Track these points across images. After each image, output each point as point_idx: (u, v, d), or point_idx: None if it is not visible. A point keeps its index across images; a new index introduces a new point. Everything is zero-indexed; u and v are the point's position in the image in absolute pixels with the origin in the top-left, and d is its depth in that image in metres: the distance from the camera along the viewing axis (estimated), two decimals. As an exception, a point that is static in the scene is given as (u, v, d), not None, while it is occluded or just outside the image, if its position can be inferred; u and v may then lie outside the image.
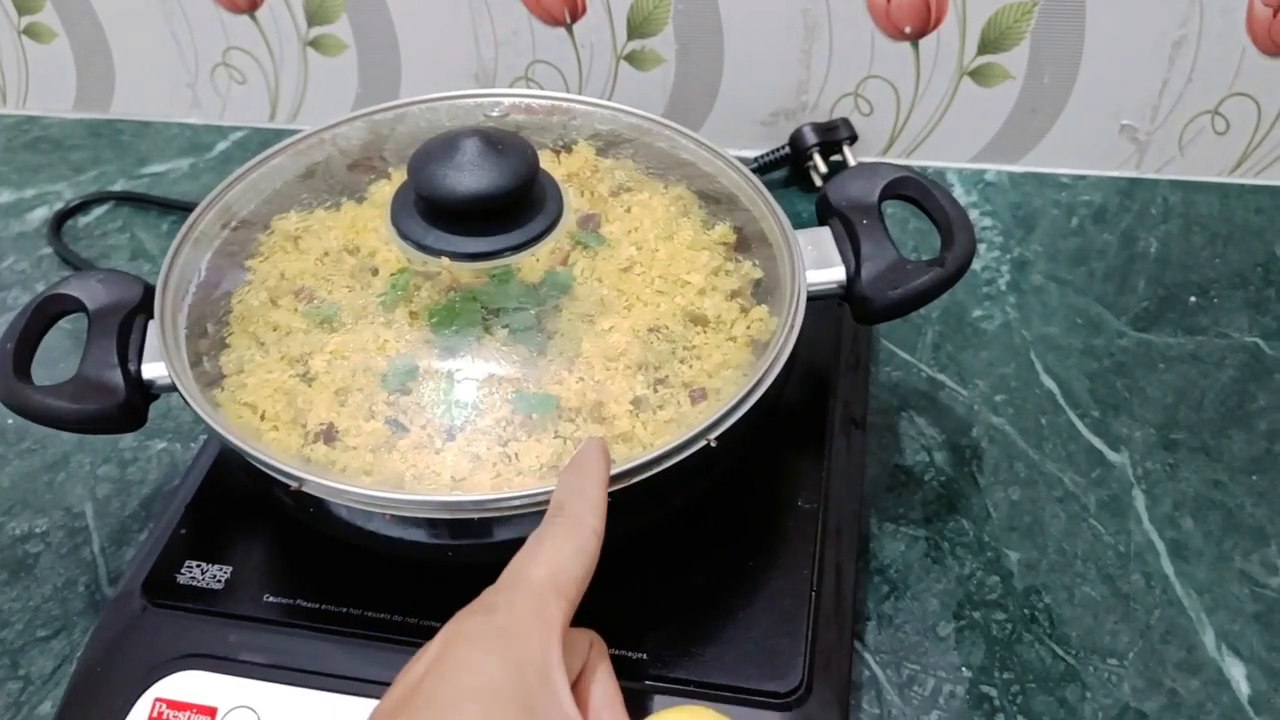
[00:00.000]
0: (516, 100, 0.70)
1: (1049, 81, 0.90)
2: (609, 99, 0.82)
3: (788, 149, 0.93)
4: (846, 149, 0.93)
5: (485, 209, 0.55)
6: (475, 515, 0.50)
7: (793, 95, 0.93)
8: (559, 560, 0.42)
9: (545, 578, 0.41)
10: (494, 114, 0.69)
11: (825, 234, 0.62)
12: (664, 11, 0.89)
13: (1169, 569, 0.65)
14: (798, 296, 0.57)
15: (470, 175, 0.54)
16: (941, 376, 0.77)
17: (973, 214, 0.91)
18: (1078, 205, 0.91)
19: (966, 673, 0.61)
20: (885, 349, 0.79)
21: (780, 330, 0.55)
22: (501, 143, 0.56)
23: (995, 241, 0.88)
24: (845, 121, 0.93)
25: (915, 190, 0.62)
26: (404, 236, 0.57)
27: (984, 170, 0.95)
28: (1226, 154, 0.92)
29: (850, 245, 0.60)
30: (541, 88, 0.96)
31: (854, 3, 0.86)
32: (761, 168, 0.93)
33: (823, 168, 0.92)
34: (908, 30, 0.88)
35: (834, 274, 0.61)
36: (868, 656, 0.61)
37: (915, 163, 0.96)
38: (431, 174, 0.54)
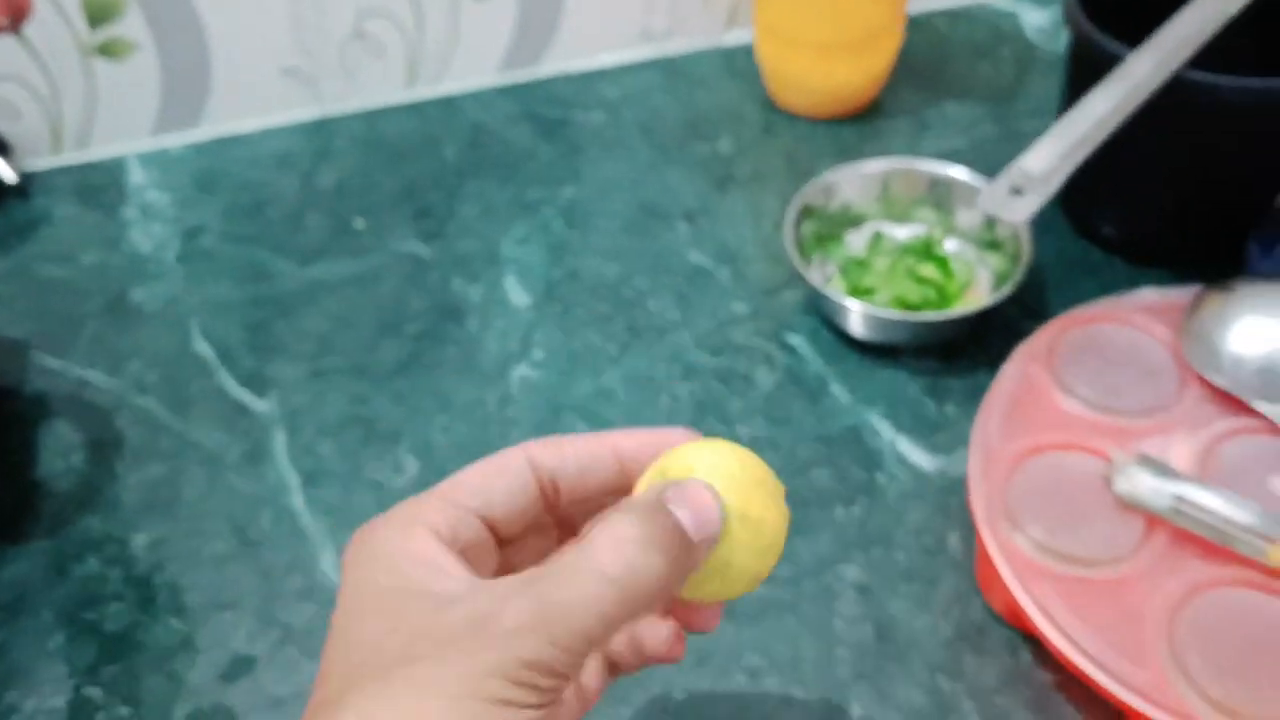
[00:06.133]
0: None
1: (182, 41, 0.86)
2: None
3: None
4: (1, 161, 0.85)
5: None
6: None
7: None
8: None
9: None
10: None
11: None
12: None
13: (299, 501, 0.63)
14: None
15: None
16: (92, 373, 0.72)
17: (151, 193, 0.85)
18: (261, 157, 0.88)
19: (71, 680, 0.55)
20: (35, 361, 0.72)
21: None
22: None
23: (170, 216, 0.83)
24: (-13, 132, 0.85)
25: None
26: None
27: (167, 145, 0.89)
28: (396, 73, 0.91)
29: None
30: None
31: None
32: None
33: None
34: (3, 21, 0.80)
35: None
36: (-35, 702, 0.55)
37: (95, 155, 0.89)
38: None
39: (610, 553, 0.31)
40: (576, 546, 0.32)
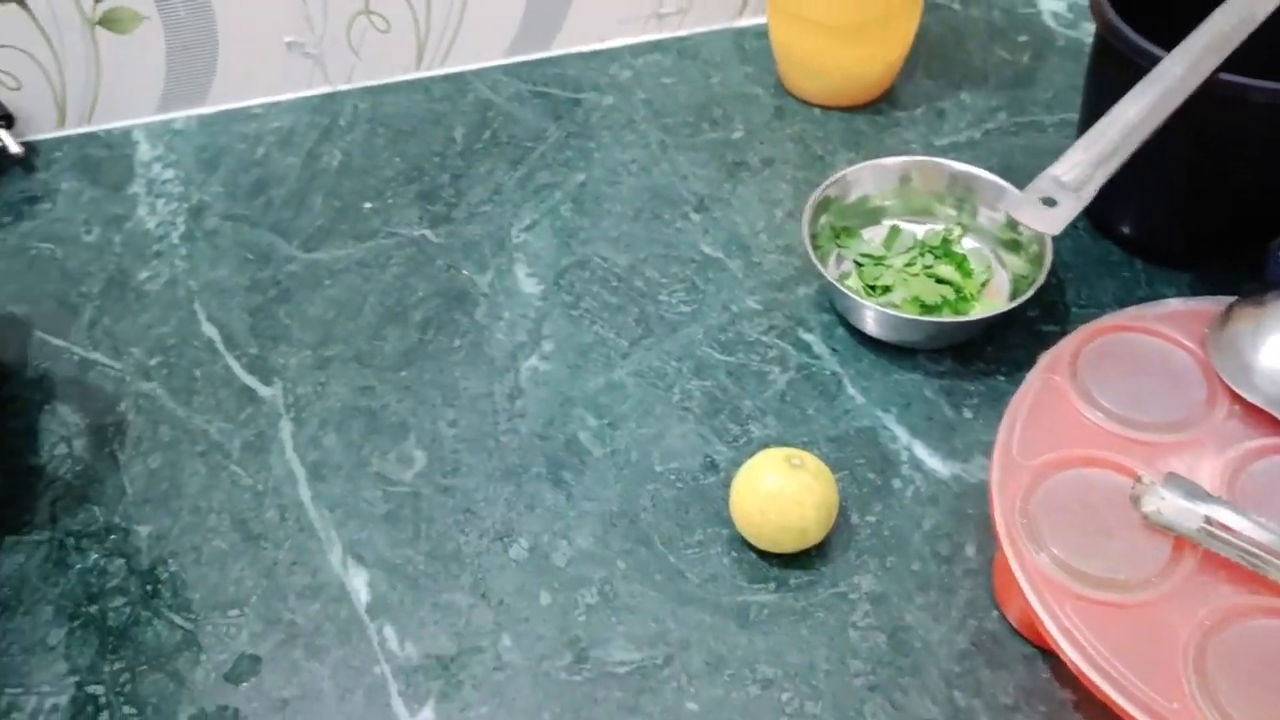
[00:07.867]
0: None
1: (187, 14, 0.83)
2: None
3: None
4: (3, 133, 0.83)
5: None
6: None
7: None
8: None
9: None
10: None
11: None
12: None
13: (305, 494, 0.62)
14: None
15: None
16: (95, 355, 0.70)
17: (156, 169, 0.84)
18: (266, 134, 0.86)
19: (72, 678, 0.54)
20: (38, 340, 0.70)
21: None
22: None
23: (175, 193, 0.82)
24: (-12, 103, 0.83)
25: None
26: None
27: (172, 119, 0.87)
28: (403, 51, 0.89)
29: None
30: None
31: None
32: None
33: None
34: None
35: None
36: (-35, 700, 0.54)
37: (99, 127, 0.87)
38: None
39: None
40: None
